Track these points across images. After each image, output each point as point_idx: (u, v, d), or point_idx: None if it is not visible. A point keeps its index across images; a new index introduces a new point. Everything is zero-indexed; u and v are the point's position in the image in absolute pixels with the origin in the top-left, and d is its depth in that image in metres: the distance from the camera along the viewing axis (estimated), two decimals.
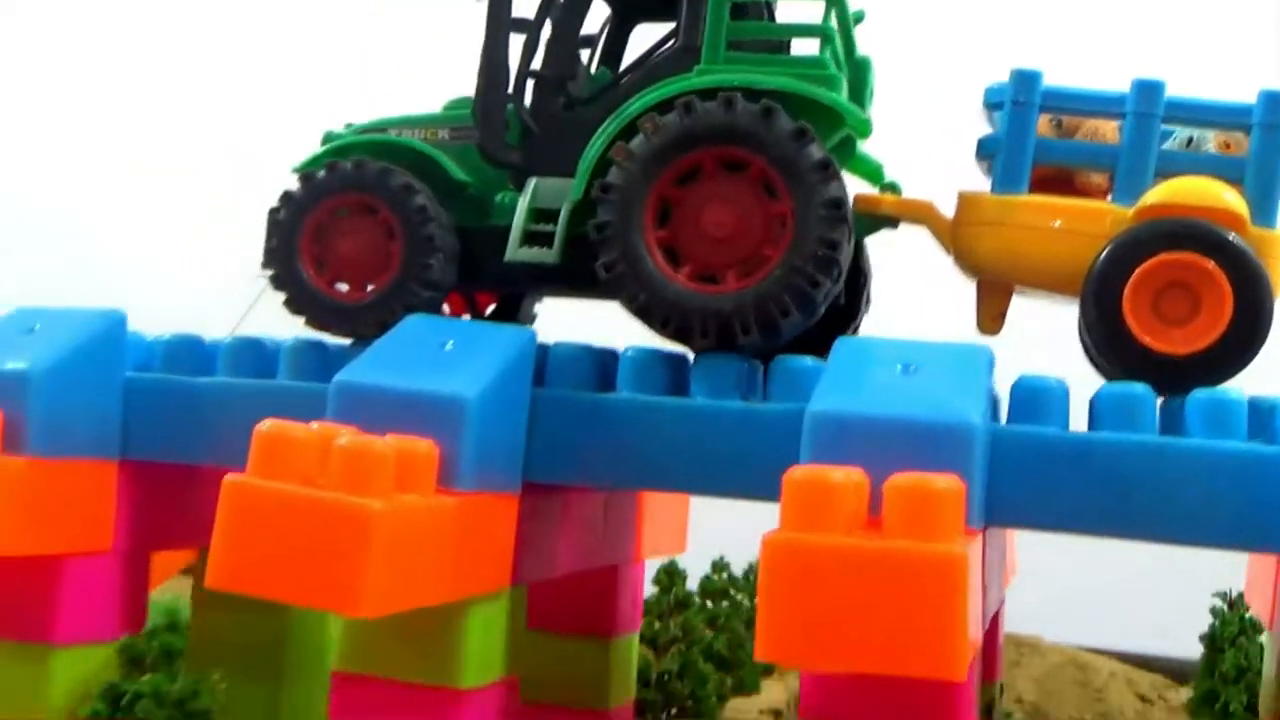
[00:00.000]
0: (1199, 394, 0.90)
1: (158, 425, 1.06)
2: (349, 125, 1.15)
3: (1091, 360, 1.11)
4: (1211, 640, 1.56)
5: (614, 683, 1.29)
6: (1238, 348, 0.93)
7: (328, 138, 1.12)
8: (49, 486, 0.99)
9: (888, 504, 0.74)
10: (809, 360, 0.96)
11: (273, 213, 1.10)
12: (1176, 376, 0.93)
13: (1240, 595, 1.55)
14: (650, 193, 0.98)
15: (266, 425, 0.83)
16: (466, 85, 1.11)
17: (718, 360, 0.98)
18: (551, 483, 1.01)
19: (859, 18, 1.07)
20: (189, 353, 1.09)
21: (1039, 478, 0.88)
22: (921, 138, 1.12)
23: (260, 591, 0.81)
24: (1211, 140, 1.02)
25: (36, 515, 0.98)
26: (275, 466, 0.81)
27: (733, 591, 1.87)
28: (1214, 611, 1.57)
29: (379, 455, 0.81)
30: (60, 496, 1.00)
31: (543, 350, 1.01)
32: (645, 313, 0.98)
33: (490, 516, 0.95)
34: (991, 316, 1.05)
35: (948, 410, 0.83)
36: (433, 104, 1.14)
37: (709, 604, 1.80)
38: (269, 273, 1.07)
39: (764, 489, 0.95)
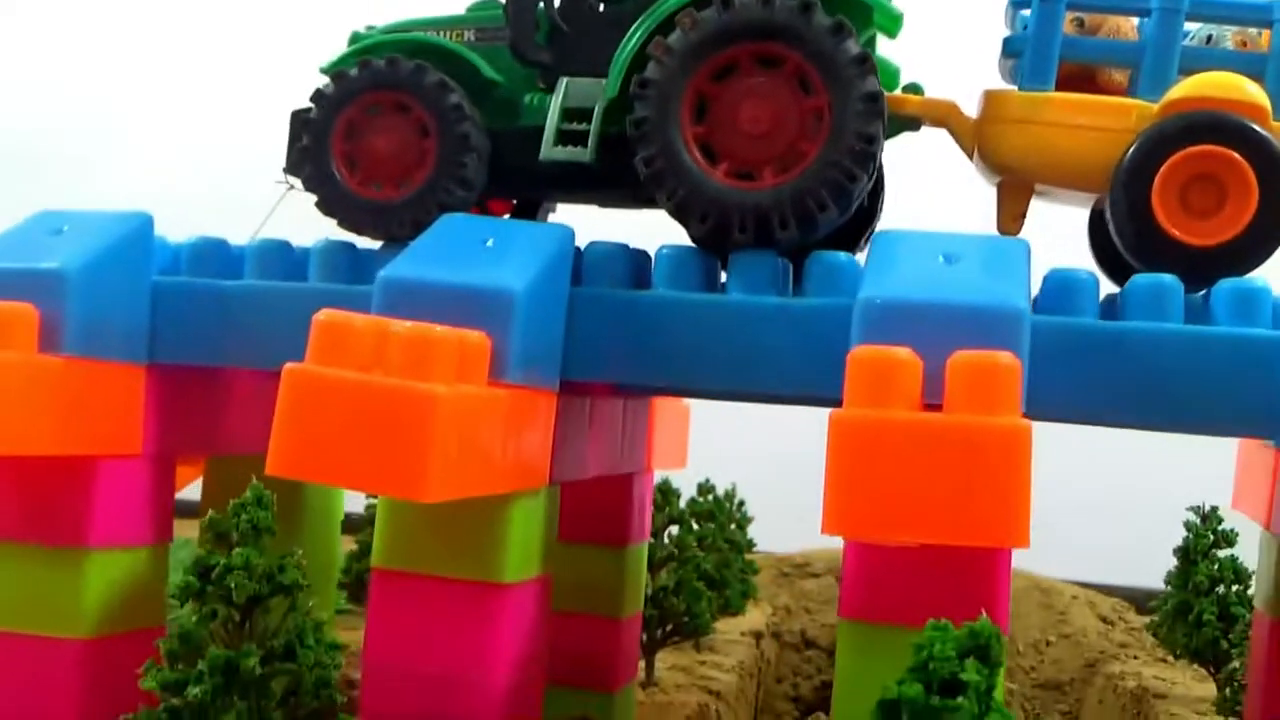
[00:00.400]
0: (1226, 284, 0.93)
1: (185, 329, 1.05)
2: (371, 27, 1.14)
3: (1100, 259, 1.14)
4: (1185, 554, 1.59)
5: (627, 591, 1.31)
6: (1264, 237, 0.95)
7: (354, 38, 1.11)
8: (83, 387, 0.99)
9: (951, 380, 0.76)
10: (844, 256, 0.98)
11: (301, 113, 1.09)
12: (1205, 268, 0.95)
13: (1214, 509, 1.59)
14: (688, 88, 0.98)
15: (324, 314, 0.83)
16: None
17: (753, 256, 0.98)
18: (588, 380, 1.01)
19: None
20: (215, 256, 1.08)
21: (1074, 368, 0.90)
22: (936, 41, 1.12)
23: (322, 478, 0.82)
24: (1230, 37, 1.04)
25: (71, 415, 0.98)
26: (335, 355, 0.82)
27: (717, 513, 1.90)
28: (1188, 525, 1.60)
29: (440, 342, 0.81)
30: (93, 398, 1.00)
31: (578, 250, 1.02)
32: (683, 209, 0.98)
33: (534, 412, 0.95)
34: (1013, 216, 1.07)
35: (996, 295, 0.84)
36: (456, 6, 1.14)
37: (695, 525, 1.83)
38: (300, 174, 1.06)
39: (802, 384, 0.98)
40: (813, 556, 2.47)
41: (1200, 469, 1.49)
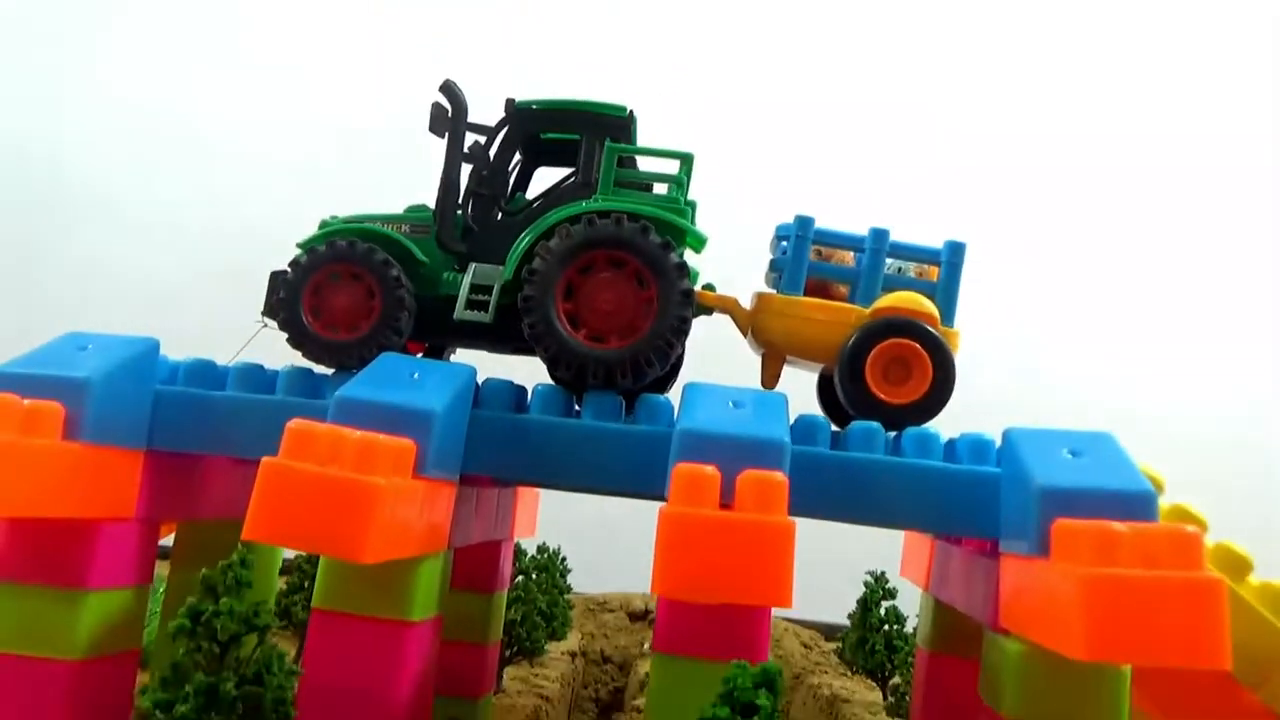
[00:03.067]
0: (911, 430, 0.97)
1: (178, 425, 0.98)
2: (335, 217, 1.11)
3: (824, 407, 1.17)
4: (864, 602, 1.65)
5: (491, 626, 1.26)
6: (935, 400, 1.00)
7: (323, 225, 1.08)
8: (94, 466, 0.91)
9: (741, 489, 0.77)
10: (662, 398, 0.99)
11: (281, 274, 1.05)
12: (898, 418, 0.99)
13: (883, 573, 1.65)
14: (561, 277, 0.99)
15: (295, 423, 0.80)
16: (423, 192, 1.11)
17: (600, 395, 0.99)
18: (479, 474, 0.99)
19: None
20: (205, 372, 1.02)
21: (812, 482, 0.91)
22: (723, 252, 1.15)
23: (287, 543, 0.77)
24: (912, 269, 1.10)
25: (83, 487, 0.89)
26: (302, 452, 0.78)
27: (550, 566, 1.87)
28: (865, 584, 1.66)
29: (382, 446, 0.78)
30: (101, 474, 0.92)
31: (477, 384, 1.00)
32: (554, 361, 0.98)
33: (441, 497, 0.92)
34: (772, 376, 1.09)
35: (769, 430, 0.86)
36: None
37: (535, 575, 1.79)
38: (277, 318, 1.02)
39: (631, 484, 0.97)
40: (610, 597, 2.45)
41: (874, 542, 1.55)
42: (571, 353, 0.97)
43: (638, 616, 2.63)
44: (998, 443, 0.95)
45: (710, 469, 0.78)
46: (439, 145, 1.08)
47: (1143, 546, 0.73)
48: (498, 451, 0.96)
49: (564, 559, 1.96)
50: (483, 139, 1.10)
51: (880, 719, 1.51)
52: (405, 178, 1.22)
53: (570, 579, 1.96)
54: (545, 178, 1.16)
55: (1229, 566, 1.00)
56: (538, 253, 0.99)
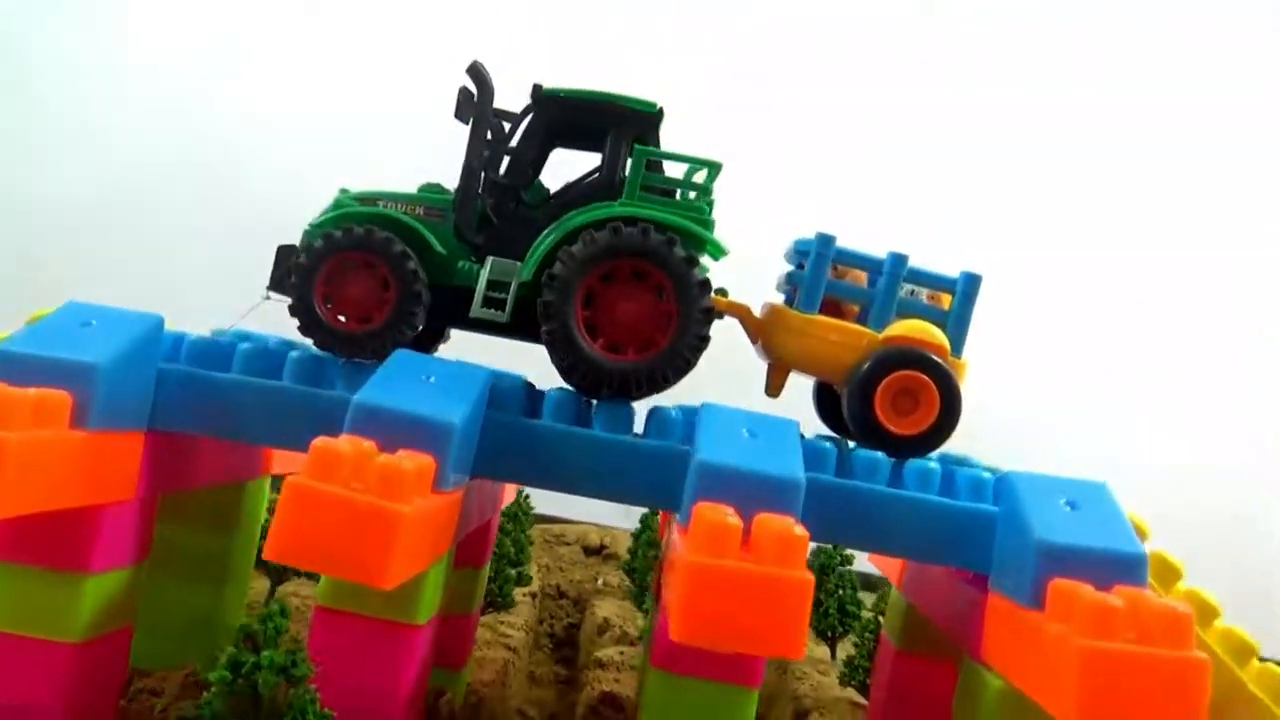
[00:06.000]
0: (913, 463, 1.00)
1: (182, 407, 0.96)
2: (344, 190, 1.08)
3: (820, 414, 1.19)
4: (822, 568, 1.73)
5: (476, 596, 1.29)
6: (938, 433, 1.01)
7: (338, 203, 1.04)
8: (99, 453, 0.89)
9: (761, 536, 0.78)
10: (673, 411, 1.00)
11: (289, 250, 1.02)
12: (902, 448, 1.01)
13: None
14: (582, 285, 0.98)
15: (320, 441, 0.79)
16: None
17: (613, 406, 0.99)
18: (491, 478, 0.99)
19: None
20: (208, 350, 1.00)
21: (818, 508, 0.93)
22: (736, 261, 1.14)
23: (308, 565, 0.77)
24: (924, 294, 1.10)
25: (89, 475, 0.88)
26: (326, 473, 0.77)
27: (519, 515, 1.92)
28: (823, 550, 1.73)
29: (407, 471, 0.78)
30: (106, 460, 0.90)
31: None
32: (570, 369, 0.98)
33: (456, 507, 0.93)
34: (777, 386, 1.10)
35: (787, 468, 0.88)
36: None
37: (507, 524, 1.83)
38: (284, 293, 0.99)
39: (644, 499, 0.99)
40: (566, 530, 2.50)
41: None
42: (588, 363, 0.97)
43: (593, 551, 2.69)
44: (986, 476, 0.99)
45: (732, 517, 0.79)
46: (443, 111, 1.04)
47: (1137, 621, 0.77)
48: (508, 456, 0.97)
49: (527, 496, 2.00)
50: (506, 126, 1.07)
51: (830, 677, 1.59)
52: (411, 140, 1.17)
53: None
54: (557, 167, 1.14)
55: (1161, 576, 1.08)
56: (560, 257, 0.98)
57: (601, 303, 0.99)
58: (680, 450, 0.96)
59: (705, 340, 0.99)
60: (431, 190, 1.08)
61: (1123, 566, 0.84)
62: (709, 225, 1.02)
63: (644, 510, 2.25)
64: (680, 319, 0.98)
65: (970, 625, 0.97)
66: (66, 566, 0.90)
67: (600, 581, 2.46)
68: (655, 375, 0.98)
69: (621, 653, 1.70)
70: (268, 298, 1.10)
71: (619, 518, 2.42)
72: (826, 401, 1.18)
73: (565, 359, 0.97)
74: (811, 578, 0.75)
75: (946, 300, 1.09)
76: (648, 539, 2.19)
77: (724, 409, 0.96)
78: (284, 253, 1.05)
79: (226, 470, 1.17)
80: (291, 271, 0.99)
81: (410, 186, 1.08)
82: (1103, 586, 0.82)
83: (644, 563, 2.18)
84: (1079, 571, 0.83)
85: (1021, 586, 0.87)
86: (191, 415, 0.97)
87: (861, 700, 1.43)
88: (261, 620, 0.68)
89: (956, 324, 1.06)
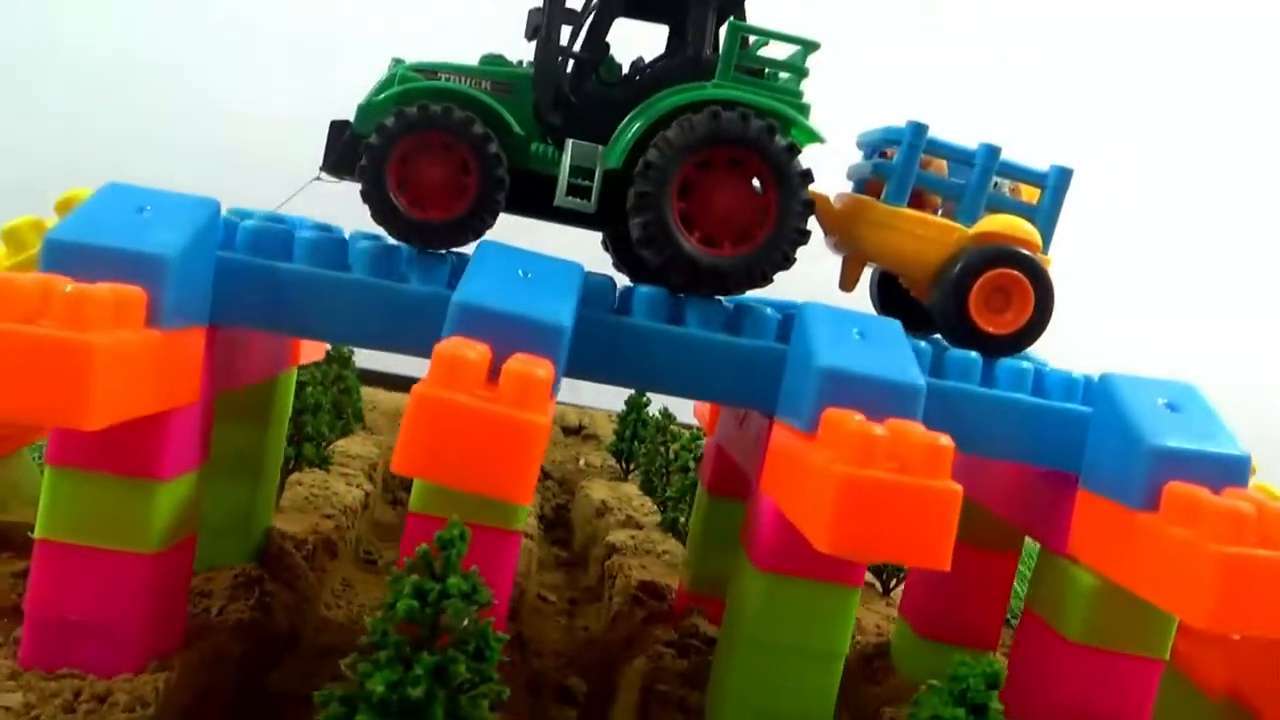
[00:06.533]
0: (1005, 362, 0.99)
1: (244, 300, 0.88)
2: (399, 60, 0.98)
3: (881, 305, 1.17)
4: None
5: None
6: (1033, 331, 1.00)
7: (401, 76, 0.94)
8: (171, 354, 0.81)
9: (504, 381, 0.72)
10: (768, 311, 0.96)
11: (340, 123, 0.94)
12: (996, 348, 1.00)
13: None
14: (678, 173, 0.92)
15: (445, 345, 0.73)
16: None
17: (706, 303, 0.95)
18: (578, 378, 0.95)
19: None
20: (267, 237, 0.91)
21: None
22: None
23: (439, 479, 0.72)
24: (1006, 187, 1.08)
25: (164, 378, 0.81)
26: (452, 380, 0.72)
27: None
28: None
29: (538, 379, 0.73)
30: (175, 362, 0.83)
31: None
32: (666, 265, 0.93)
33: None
34: (852, 280, 1.07)
35: (908, 373, 0.85)
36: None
37: None
38: (347, 176, 0.91)
39: (738, 399, 0.96)
40: None
41: None
42: (686, 259, 0.92)
43: (572, 431, 2.68)
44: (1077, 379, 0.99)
45: (876, 427, 0.77)
46: None
47: (1262, 525, 0.78)
48: (598, 355, 0.92)
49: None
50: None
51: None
52: None
53: None
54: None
55: None
56: (656, 144, 0.91)
57: (697, 194, 0.93)
58: (778, 350, 0.93)
59: (805, 235, 0.94)
60: (494, 62, 0.99)
61: (1231, 469, 0.85)
62: (804, 110, 0.96)
63: (630, 392, 2.24)
64: (779, 211, 0.93)
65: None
66: (137, 473, 0.83)
67: (582, 462, 2.46)
68: (754, 271, 0.93)
69: (633, 537, 1.71)
70: (319, 178, 1.01)
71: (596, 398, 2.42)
72: (890, 293, 1.16)
73: (662, 255, 0.92)
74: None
75: (1026, 193, 1.06)
76: (637, 421, 2.19)
77: (828, 308, 0.93)
78: (337, 129, 0.95)
79: (269, 364, 1.10)
80: (349, 151, 0.90)
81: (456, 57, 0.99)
82: (1215, 490, 0.83)
83: (630, 446, 2.19)
84: (1192, 474, 0.84)
85: (1129, 489, 0.87)
86: (255, 310, 0.89)
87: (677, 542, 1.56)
88: (442, 545, 0.64)
89: (1046, 220, 1.04)
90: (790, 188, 0.93)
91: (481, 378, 0.74)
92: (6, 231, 0.94)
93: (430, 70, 0.96)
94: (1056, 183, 1.04)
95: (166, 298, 0.79)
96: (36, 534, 0.83)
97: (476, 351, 0.74)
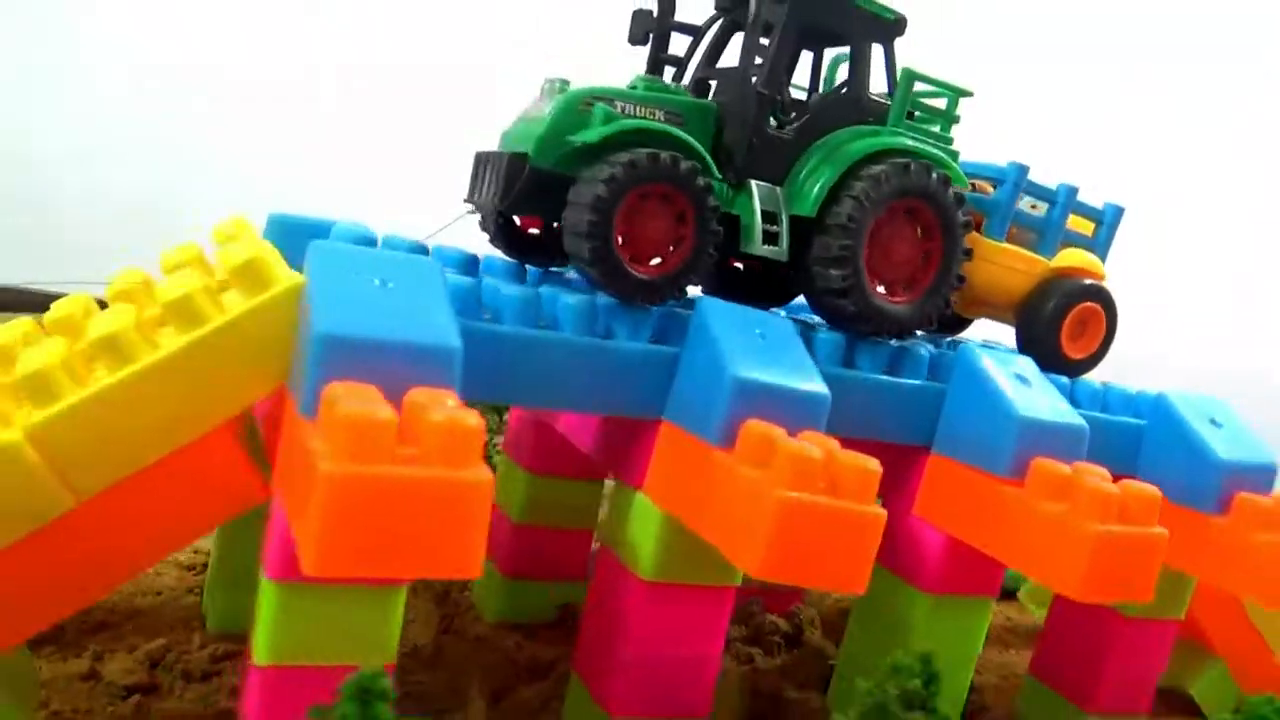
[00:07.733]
0: (1081, 381, 1.12)
1: (494, 374, 0.81)
2: (563, 81, 0.89)
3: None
4: None
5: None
6: (1100, 355, 1.14)
7: (608, 115, 0.86)
8: None
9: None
10: (924, 349, 1.01)
11: (485, 155, 0.89)
12: (1070, 370, 1.12)
13: None
14: (871, 225, 0.93)
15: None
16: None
17: (874, 345, 0.98)
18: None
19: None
20: (466, 296, 0.81)
21: None
22: None
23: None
24: (1027, 204, 1.14)
25: None
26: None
27: None
28: None
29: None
30: None
31: None
32: (858, 316, 0.94)
33: None
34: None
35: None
36: None
37: None
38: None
39: (905, 437, 1.00)
40: None
41: None
42: (874, 310, 0.95)
43: None
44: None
45: (371, 399, 0.62)
46: None
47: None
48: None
49: None
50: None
51: None
52: None
53: None
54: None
55: None
56: (855, 197, 0.92)
57: (877, 243, 0.95)
58: (938, 388, 0.99)
59: (963, 280, 1.00)
60: (657, 88, 0.93)
61: (1269, 476, 1.06)
62: (956, 157, 1.01)
63: None
64: (944, 258, 0.98)
65: None
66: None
67: None
68: (922, 316, 0.98)
69: None
70: (470, 210, 0.91)
71: None
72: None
73: (855, 306, 0.94)
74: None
75: (1078, 224, 1.19)
76: None
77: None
78: (515, 166, 0.86)
79: None
80: (532, 188, 0.84)
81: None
82: (1261, 493, 1.03)
83: None
84: (1247, 483, 1.04)
85: (1202, 495, 1.05)
86: (505, 385, 0.81)
87: None
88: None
89: (1102, 251, 1.17)
90: (956, 237, 0.98)
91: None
92: (118, 293, 0.76)
93: (606, 97, 0.89)
94: (1111, 219, 1.18)
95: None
96: None
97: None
